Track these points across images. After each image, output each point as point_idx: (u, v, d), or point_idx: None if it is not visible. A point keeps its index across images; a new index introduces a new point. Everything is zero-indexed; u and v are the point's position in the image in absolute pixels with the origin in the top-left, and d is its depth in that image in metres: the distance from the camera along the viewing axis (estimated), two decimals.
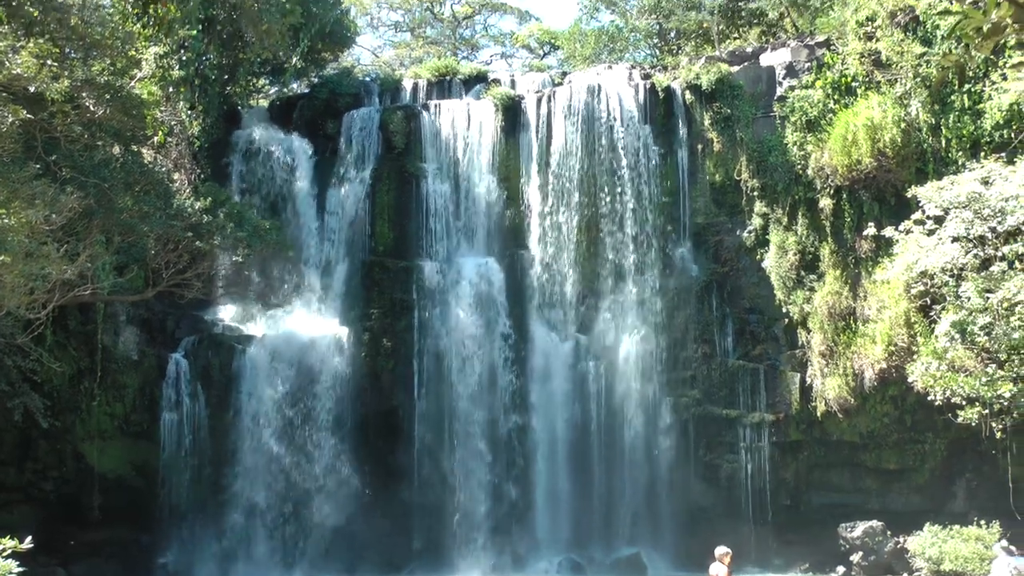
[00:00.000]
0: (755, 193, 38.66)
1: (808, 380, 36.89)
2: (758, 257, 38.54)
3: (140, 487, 35.31)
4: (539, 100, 40.51)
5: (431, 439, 37.14)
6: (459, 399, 37.38)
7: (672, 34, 46.28)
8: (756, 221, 38.67)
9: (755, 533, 35.77)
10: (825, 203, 36.92)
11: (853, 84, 37.13)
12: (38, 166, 22.57)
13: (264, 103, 45.85)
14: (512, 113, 40.52)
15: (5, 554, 8.33)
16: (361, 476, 36.64)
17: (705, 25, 43.86)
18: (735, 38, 45.12)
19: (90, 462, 34.37)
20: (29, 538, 8.51)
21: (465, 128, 40.59)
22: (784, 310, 37.78)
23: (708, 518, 36.46)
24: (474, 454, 37.23)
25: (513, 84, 42.94)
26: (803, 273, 37.36)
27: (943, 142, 34.64)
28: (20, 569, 8.36)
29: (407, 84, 44.45)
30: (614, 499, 37.54)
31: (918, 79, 34.90)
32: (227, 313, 38.88)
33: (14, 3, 24.65)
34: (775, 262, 37.90)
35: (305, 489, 36.29)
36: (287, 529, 35.95)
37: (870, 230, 33.90)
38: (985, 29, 7.87)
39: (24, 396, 30.26)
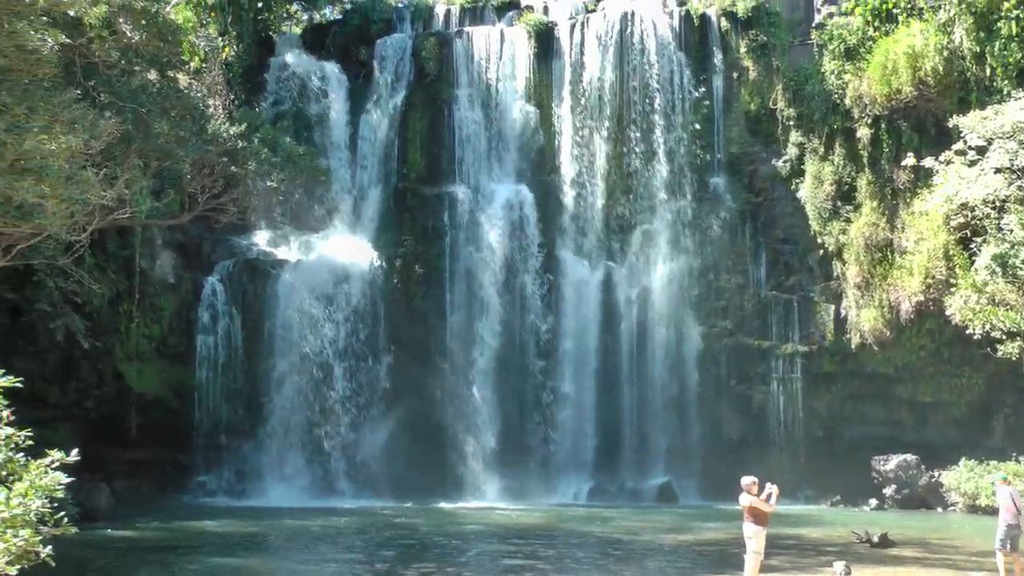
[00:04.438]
0: (791, 122, 38.36)
1: (842, 312, 36.82)
2: (793, 187, 38.32)
3: (176, 408, 35.86)
4: (572, 27, 40.22)
5: (461, 365, 37.38)
6: (489, 325, 37.54)
7: None
8: (791, 151, 38.40)
9: (786, 464, 35.83)
10: (863, 133, 36.60)
11: (894, 11, 36.58)
12: (77, 91, 22.69)
13: (297, 30, 45.73)
14: (545, 40, 40.26)
15: (53, 466, 8.55)
16: (392, 400, 36.98)
17: None
18: None
19: (129, 383, 34.93)
20: (76, 451, 8.71)
21: (497, 55, 40.39)
22: (819, 241, 37.61)
23: (739, 448, 36.60)
24: (503, 380, 37.46)
25: (546, 10, 42.59)
26: (839, 204, 37.13)
27: (987, 71, 33.96)
28: (68, 480, 8.58)
29: (439, 11, 44.18)
30: (644, 428, 37.77)
31: (963, 5, 34.05)
32: (261, 238, 39.12)
33: None
34: (810, 192, 37.68)
35: (337, 412, 36.69)
36: (320, 451, 36.41)
37: (909, 160, 33.60)
38: None
39: (66, 317, 30.70)
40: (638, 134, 38.93)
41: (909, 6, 36.12)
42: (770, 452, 36.55)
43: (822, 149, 37.66)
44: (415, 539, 26.35)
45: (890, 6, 36.64)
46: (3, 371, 8.62)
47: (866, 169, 36.55)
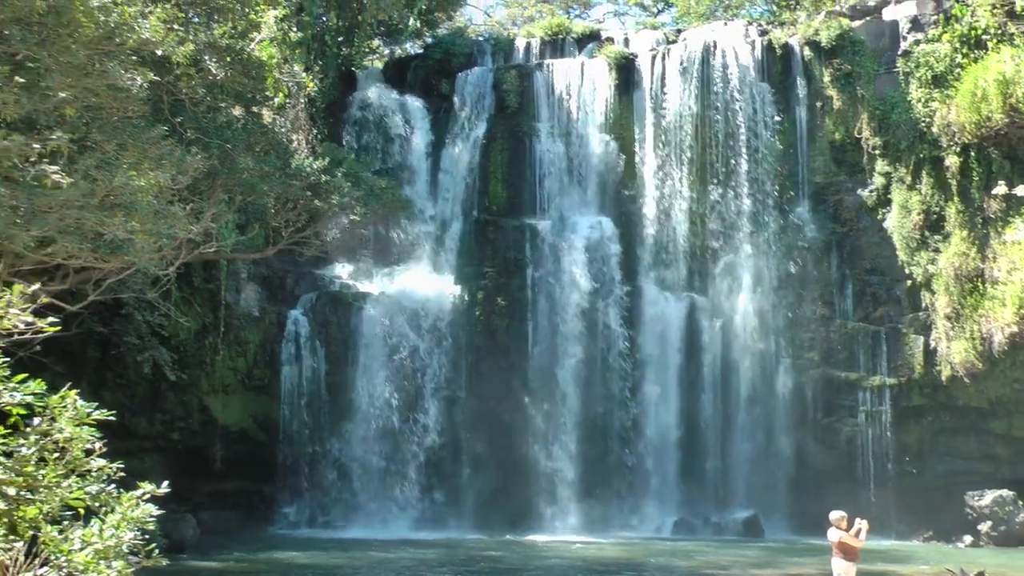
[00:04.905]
0: (877, 151, 37.81)
1: (932, 343, 36.05)
2: (879, 217, 37.71)
3: (261, 439, 36.20)
4: (653, 58, 40.12)
5: (543, 397, 37.27)
6: (572, 357, 37.41)
7: None
8: (878, 180, 37.84)
9: (875, 499, 35.16)
10: (951, 161, 35.93)
11: (983, 37, 35.94)
12: (165, 128, 23.11)
13: (379, 64, 46.22)
14: (626, 71, 40.20)
15: (145, 498, 8.62)
16: (474, 433, 36.97)
17: None
18: None
19: (214, 414, 35.38)
20: (166, 483, 8.79)
21: (578, 86, 40.41)
22: (907, 271, 36.94)
23: (826, 482, 35.85)
24: (587, 412, 37.27)
25: (627, 42, 42.57)
26: (927, 233, 36.43)
27: None
28: (158, 512, 8.65)
29: (520, 44, 44.43)
30: (729, 460, 37.30)
31: None
32: (344, 271, 39.50)
33: None
34: (898, 222, 37.05)
35: (420, 445, 36.77)
36: (402, 484, 36.48)
37: (1000, 188, 32.82)
38: None
39: (153, 349, 31.25)
40: (720, 164, 38.66)
41: (999, 32, 35.46)
42: (858, 486, 35.83)
43: (909, 178, 37.03)
44: (499, 572, 26.21)
45: (979, 32, 36.01)
46: (95, 404, 8.73)
47: (955, 198, 35.83)
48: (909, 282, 36.97)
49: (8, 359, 8.62)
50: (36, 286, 9.86)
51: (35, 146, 16.74)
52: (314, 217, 34.30)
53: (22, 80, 16.87)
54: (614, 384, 37.58)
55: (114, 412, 8.86)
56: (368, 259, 39.82)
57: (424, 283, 38.70)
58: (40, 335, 9.31)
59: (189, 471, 33.02)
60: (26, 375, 8.61)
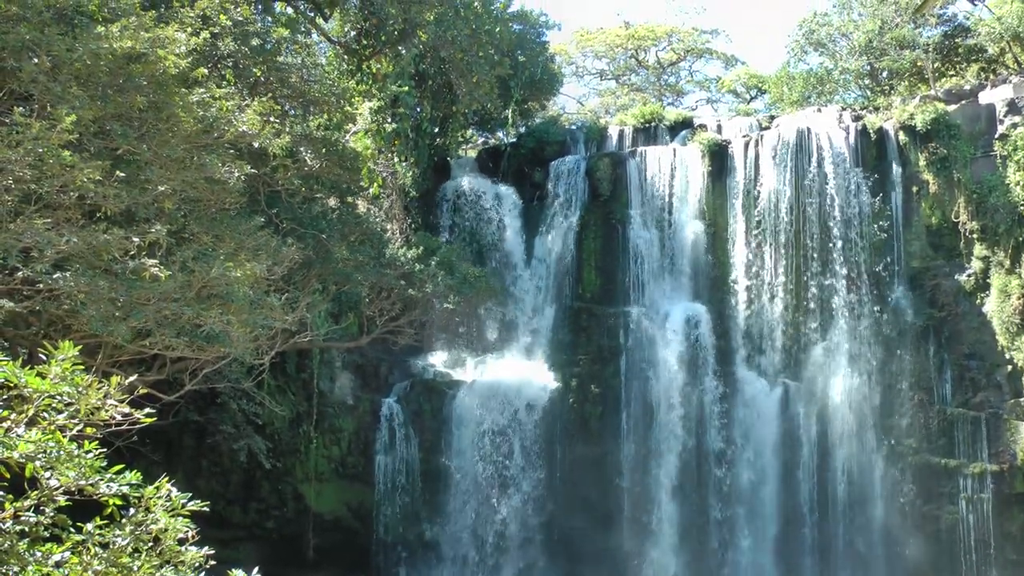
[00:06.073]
0: (974, 235, 37.16)
1: None
2: (978, 301, 36.94)
3: (354, 528, 36.20)
4: (746, 144, 40.02)
5: (638, 487, 36.87)
6: (666, 447, 37.02)
7: (884, 74, 44.94)
8: (976, 264, 37.13)
9: None
10: None
11: None
12: (261, 219, 23.56)
13: (472, 153, 46.76)
14: (719, 158, 40.14)
15: None
16: (569, 523, 36.60)
17: (919, 64, 42.46)
18: (951, 76, 43.51)
19: (308, 502, 35.49)
20: (256, 570, 8.79)
21: (671, 174, 40.41)
22: (1007, 356, 36.07)
23: (926, 571, 34.95)
24: (681, 502, 36.75)
25: (719, 129, 42.58)
26: None
27: None
28: None
29: (612, 131, 44.67)
30: (826, 549, 36.50)
31: None
32: (438, 359, 39.64)
33: (240, 65, 25.92)
34: (997, 306, 36.26)
35: (514, 535, 36.49)
36: (497, 573, 36.18)
37: None
38: None
39: (248, 438, 31.55)
40: (815, 249, 38.25)
41: None
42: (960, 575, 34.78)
43: (1008, 262, 36.31)
44: None
45: None
46: (190, 495, 8.79)
47: None
48: (1009, 367, 36.11)
49: (106, 449, 8.73)
50: (133, 377, 10.02)
51: (134, 239, 17.16)
52: (408, 306, 34.55)
53: (122, 174, 17.36)
54: (709, 473, 37.11)
55: (208, 502, 8.92)
56: (462, 347, 39.95)
57: (518, 370, 38.67)
58: (137, 426, 9.44)
59: (283, 560, 33.09)
60: (123, 465, 8.70)
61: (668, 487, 36.89)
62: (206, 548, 8.87)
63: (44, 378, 8.51)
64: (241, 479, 33.90)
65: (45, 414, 8.58)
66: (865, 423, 37.04)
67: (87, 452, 8.40)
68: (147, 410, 9.26)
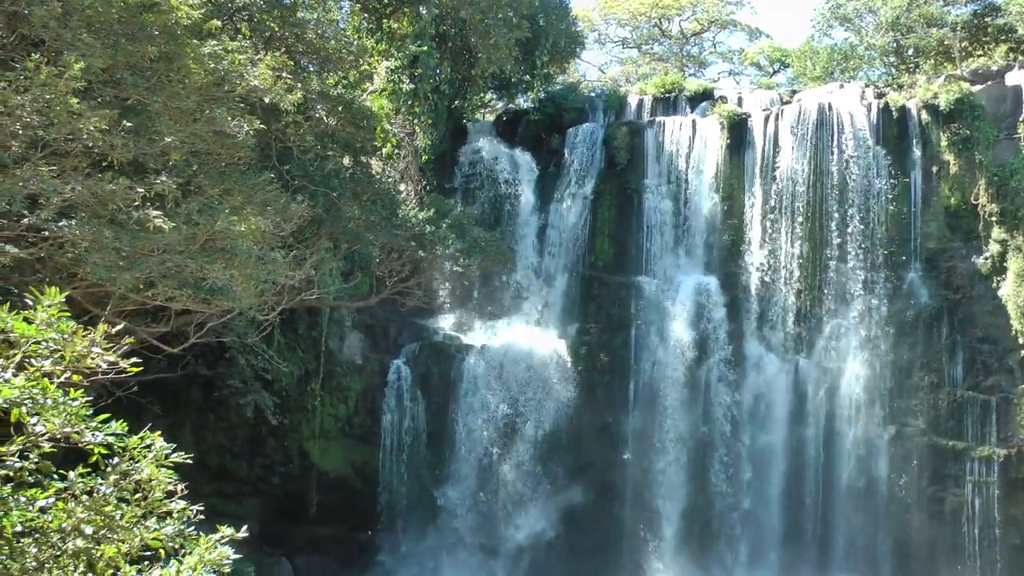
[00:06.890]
0: (993, 218, 36.81)
1: None
2: (994, 285, 36.65)
3: (358, 487, 36.32)
4: (766, 118, 39.68)
5: (642, 457, 36.85)
6: (673, 418, 36.98)
7: (910, 51, 44.48)
8: (993, 247, 36.80)
9: (980, 572, 34.04)
10: None
11: None
12: (272, 175, 23.47)
13: (490, 117, 46.47)
14: (738, 131, 39.81)
15: (223, 541, 8.59)
16: (571, 489, 36.65)
17: (946, 42, 41.98)
18: (979, 55, 43.02)
19: (313, 460, 35.60)
20: (245, 527, 8.79)
21: (688, 145, 40.12)
22: (1021, 341, 35.80)
23: (929, 553, 34.92)
24: (686, 474, 36.76)
25: (740, 102, 42.22)
26: None
27: None
28: (236, 556, 8.60)
29: (632, 100, 44.32)
30: (829, 526, 36.50)
31: None
32: (447, 322, 39.59)
33: (255, 19, 25.77)
34: (1013, 291, 35.96)
35: (517, 499, 36.56)
36: (497, 539, 36.28)
37: None
38: None
39: (255, 394, 31.60)
40: (832, 227, 37.95)
41: None
42: (963, 558, 34.83)
43: None
44: None
45: None
46: (174, 444, 8.77)
47: None
48: (1022, 352, 35.81)
49: (107, 399, 8.69)
50: (120, 326, 9.96)
51: (140, 190, 17.10)
52: (418, 267, 34.51)
53: (130, 124, 17.27)
54: (715, 446, 37.05)
55: (192, 455, 8.88)
56: (471, 311, 39.87)
57: (527, 336, 38.59)
58: (128, 375, 9.39)
59: (287, 515, 33.25)
60: (108, 415, 8.66)
61: (674, 458, 36.84)
62: (200, 505, 8.87)
63: (31, 323, 8.48)
64: (247, 434, 34.01)
65: (33, 360, 8.56)
66: (874, 403, 36.88)
67: (73, 400, 8.38)
68: (134, 360, 9.22)
